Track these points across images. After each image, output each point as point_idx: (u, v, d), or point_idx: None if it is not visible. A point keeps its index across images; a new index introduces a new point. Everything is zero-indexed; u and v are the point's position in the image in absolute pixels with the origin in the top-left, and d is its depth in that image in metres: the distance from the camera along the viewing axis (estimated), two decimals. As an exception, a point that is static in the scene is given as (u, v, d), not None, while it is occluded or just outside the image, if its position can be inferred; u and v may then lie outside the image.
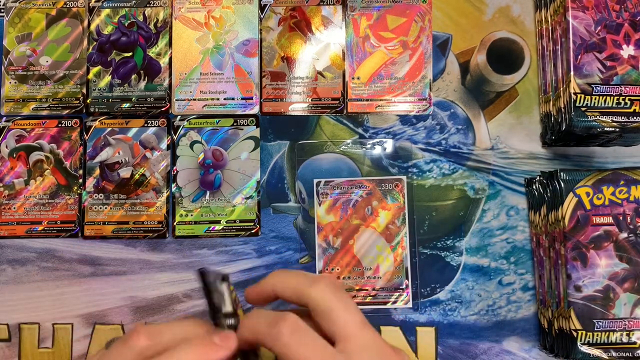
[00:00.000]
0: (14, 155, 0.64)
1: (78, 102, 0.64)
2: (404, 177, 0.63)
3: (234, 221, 0.63)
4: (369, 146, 0.64)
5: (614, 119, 0.55)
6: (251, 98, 0.64)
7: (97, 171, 0.63)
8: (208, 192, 0.63)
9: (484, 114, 0.64)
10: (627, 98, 0.55)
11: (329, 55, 0.65)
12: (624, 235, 0.55)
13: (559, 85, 0.58)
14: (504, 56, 0.65)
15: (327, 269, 0.61)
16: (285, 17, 0.65)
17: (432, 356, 0.61)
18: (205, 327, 0.38)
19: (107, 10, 0.65)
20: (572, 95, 0.55)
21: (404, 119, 0.64)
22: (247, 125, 0.64)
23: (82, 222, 0.63)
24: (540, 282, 0.60)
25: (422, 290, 0.62)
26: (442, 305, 0.62)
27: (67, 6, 0.65)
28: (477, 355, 0.61)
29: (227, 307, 0.38)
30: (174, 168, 0.63)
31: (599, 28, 0.56)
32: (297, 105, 0.64)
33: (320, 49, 0.65)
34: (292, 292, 0.37)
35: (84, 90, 0.64)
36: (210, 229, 0.63)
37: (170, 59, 0.65)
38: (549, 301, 0.58)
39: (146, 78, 0.64)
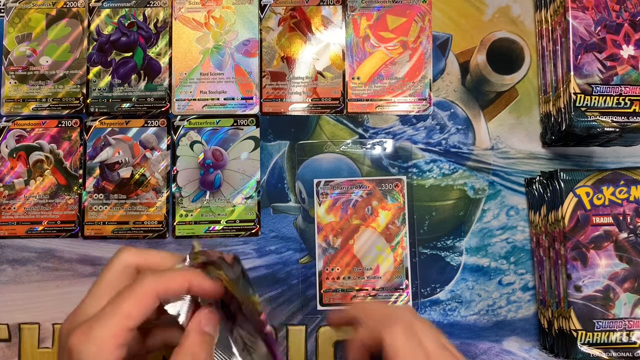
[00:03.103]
0: (14, 155, 0.64)
1: (78, 102, 0.64)
2: (404, 177, 0.63)
3: (234, 221, 0.63)
4: (369, 146, 0.64)
5: (614, 119, 0.55)
6: (251, 98, 0.64)
7: (97, 171, 0.63)
8: (208, 192, 0.63)
9: (484, 114, 0.64)
10: (627, 98, 0.55)
11: (329, 55, 0.65)
12: (624, 235, 0.55)
13: (559, 85, 0.58)
14: (504, 56, 0.65)
15: (327, 269, 0.61)
16: (285, 17, 0.65)
17: (432, 356, 0.61)
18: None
19: (107, 10, 0.65)
20: (572, 95, 0.55)
21: (404, 119, 0.64)
22: (247, 125, 0.64)
23: (82, 222, 0.63)
24: (540, 282, 0.60)
25: (422, 290, 0.62)
26: (442, 305, 0.62)
27: (67, 6, 0.65)
28: (477, 355, 0.61)
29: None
30: (174, 168, 0.63)
31: (599, 28, 0.56)
32: (297, 105, 0.64)
33: (320, 49, 0.65)
34: (370, 332, 0.40)
35: (84, 90, 0.65)
36: (210, 229, 0.63)
37: (170, 59, 0.65)
38: (549, 301, 0.58)
39: (146, 78, 0.65)
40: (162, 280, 0.35)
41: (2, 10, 0.65)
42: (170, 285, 0.35)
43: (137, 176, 0.63)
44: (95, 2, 0.65)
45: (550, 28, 0.61)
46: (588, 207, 0.56)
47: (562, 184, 0.56)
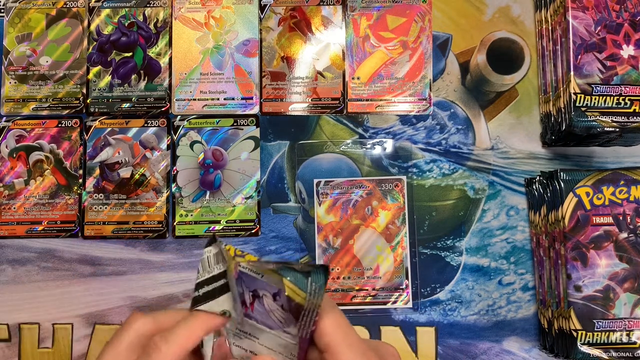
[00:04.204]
0: (14, 155, 0.64)
1: (78, 102, 0.64)
2: (404, 177, 0.63)
3: (234, 221, 0.63)
4: (369, 146, 0.64)
5: (614, 119, 0.55)
6: (251, 98, 0.64)
7: (97, 171, 0.63)
8: (208, 192, 0.63)
9: (484, 114, 0.64)
10: (627, 98, 0.55)
11: (329, 55, 0.65)
12: (624, 235, 0.55)
13: (559, 85, 0.58)
14: (504, 56, 0.65)
15: (327, 269, 0.61)
16: (285, 17, 0.65)
17: (432, 356, 0.61)
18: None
19: (107, 10, 0.65)
20: (572, 95, 0.55)
21: (404, 119, 0.64)
22: (247, 125, 0.64)
23: (82, 222, 0.63)
24: (540, 282, 0.60)
25: (422, 290, 0.62)
26: (442, 305, 0.62)
27: (67, 6, 0.65)
28: (477, 355, 0.61)
29: (199, 277, 0.37)
30: (174, 168, 0.63)
31: (599, 28, 0.56)
32: (297, 105, 0.64)
33: (320, 49, 0.65)
34: None
35: (84, 90, 0.65)
36: (210, 229, 0.63)
37: (170, 59, 0.65)
38: (549, 301, 0.58)
39: (146, 78, 0.65)
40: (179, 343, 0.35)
41: (2, 10, 0.65)
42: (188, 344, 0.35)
43: (137, 176, 0.63)
44: (95, 2, 0.65)
45: (550, 28, 0.61)
46: (588, 207, 0.56)
47: (562, 184, 0.56)
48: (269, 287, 0.36)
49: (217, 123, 0.64)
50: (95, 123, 0.64)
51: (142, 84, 0.64)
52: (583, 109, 0.55)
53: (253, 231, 0.63)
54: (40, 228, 0.63)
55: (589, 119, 0.55)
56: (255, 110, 0.64)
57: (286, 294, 0.34)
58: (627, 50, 0.56)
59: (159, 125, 0.64)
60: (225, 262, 0.37)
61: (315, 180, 0.63)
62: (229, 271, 0.37)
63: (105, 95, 0.64)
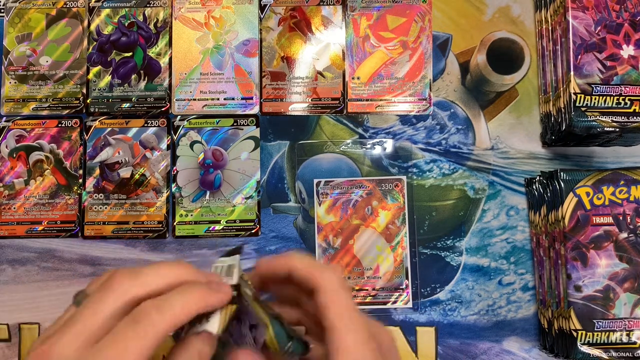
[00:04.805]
0: (14, 155, 0.64)
1: (78, 102, 0.64)
2: (404, 177, 0.63)
3: (234, 221, 0.63)
4: (369, 146, 0.64)
5: (614, 119, 0.55)
6: (251, 98, 0.64)
7: (97, 171, 0.63)
8: (208, 192, 0.63)
9: (484, 114, 0.64)
10: (627, 98, 0.55)
11: (329, 55, 0.65)
12: (624, 235, 0.55)
13: (559, 85, 0.58)
14: (504, 56, 0.65)
15: (327, 269, 0.61)
16: (285, 17, 0.65)
17: (432, 356, 0.61)
18: (193, 270, 0.34)
19: (107, 10, 0.65)
20: (572, 95, 0.55)
21: (404, 119, 0.64)
22: (247, 125, 0.64)
23: (82, 222, 0.63)
24: (540, 282, 0.60)
25: (422, 290, 0.62)
26: (442, 305, 0.62)
27: (67, 6, 0.65)
28: (477, 355, 0.61)
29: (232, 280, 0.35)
30: (174, 168, 0.63)
31: (599, 28, 0.56)
32: (297, 105, 0.64)
33: (320, 49, 0.65)
34: (305, 272, 0.35)
35: (84, 90, 0.65)
36: (210, 229, 0.63)
37: (170, 59, 0.65)
38: (549, 301, 0.58)
39: (146, 78, 0.65)
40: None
41: (2, 10, 0.65)
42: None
43: (137, 176, 0.63)
44: (95, 2, 0.65)
45: (550, 28, 0.61)
46: (588, 207, 0.56)
47: (562, 184, 0.56)
48: (250, 317, 0.35)
49: (217, 123, 0.64)
50: (95, 123, 0.64)
51: (142, 84, 0.64)
52: (583, 109, 0.55)
53: (253, 231, 0.63)
54: (40, 228, 0.63)
55: (589, 119, 0.55)
56: (255, 110, 0.64)
57: (265, 339, 0.33)
58: (627, 50, 0.56)
59: (159, 125, 0.64)
60: (234, 278, 0.35)
61: (315, 180, 0.63)
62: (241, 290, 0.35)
63: (105, 95, 0.64)
